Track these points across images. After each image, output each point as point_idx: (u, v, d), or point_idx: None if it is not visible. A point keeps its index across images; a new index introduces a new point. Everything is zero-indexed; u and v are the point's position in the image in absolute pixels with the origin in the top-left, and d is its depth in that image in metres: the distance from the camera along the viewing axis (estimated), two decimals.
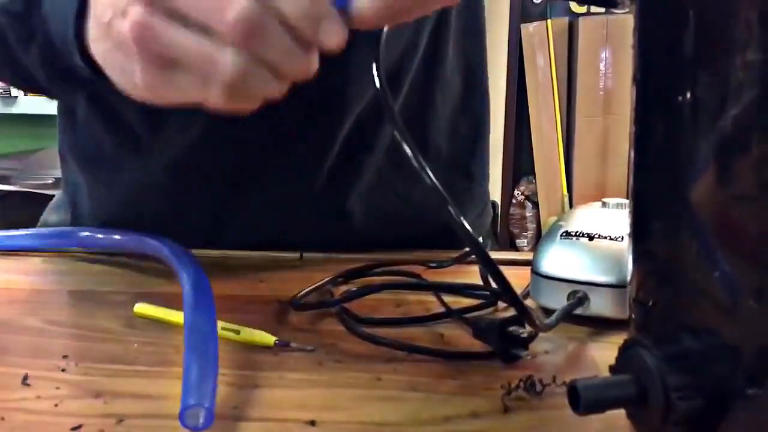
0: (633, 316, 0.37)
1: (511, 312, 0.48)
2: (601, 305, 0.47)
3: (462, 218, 0.38)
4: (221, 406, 0.37)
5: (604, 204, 0.54)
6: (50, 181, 1.78)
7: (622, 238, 0.49)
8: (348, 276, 0.57)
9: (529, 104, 2.12)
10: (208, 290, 0.48)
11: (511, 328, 0.44)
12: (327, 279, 0.56)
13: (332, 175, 0.63)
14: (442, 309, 0.50)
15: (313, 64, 0.37)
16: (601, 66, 2.09)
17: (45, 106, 1.96)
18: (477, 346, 0.45)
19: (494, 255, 0.66)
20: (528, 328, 0.44)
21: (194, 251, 0.55)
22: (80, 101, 0.63)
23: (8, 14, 0.45)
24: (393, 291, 0.54)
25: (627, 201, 0.37)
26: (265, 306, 0.52)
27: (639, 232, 0.36)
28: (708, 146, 0.30)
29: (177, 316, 0.48)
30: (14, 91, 2.12)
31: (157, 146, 0.62)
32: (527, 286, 0.52)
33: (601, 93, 2.10)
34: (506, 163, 2.14)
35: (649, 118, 0.34)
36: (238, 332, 0.46)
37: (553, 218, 0.60)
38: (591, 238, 0.50)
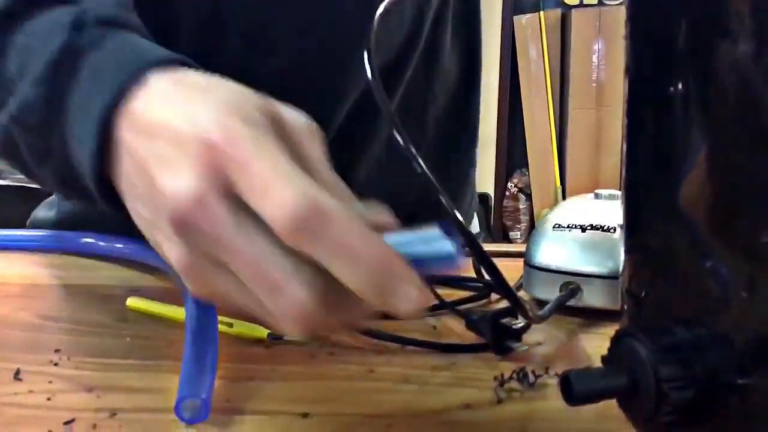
0: (625, 307, 0.37)
1: (504, 304, 0.48)
2: (593, 296, 0.48)
3: (455, 210, 0.38)
4: (215, 399, 0.37)
5: (596, 195, 0.54)
6: None
7: (615, 230, 0.49)
8: None
9: (522, 96, 2.12)
10: None
11: (504, 320, 0.44)
12: None
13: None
14: (435, 301, 0.50)
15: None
16: (594, 58, 2.09)
17: None
18: (470, 337, 0.45)
19: (487, 247, 0.66)
20: (521, 320, 0.44)
21: None
22: None
23: (22, 126, 0.39)
24: None
25: (619, 192, 0.37)
26: None
27: (631, 224, 0.36)
28: (700, 137, 0.30)
29: (170, 310, 0.48)
30: None
31: None
32: (520, 278, 0.52)
33: (594, 85, 2.10)
34: (499, 156, 2.14)
35: (641, 109, 0.34)
36: (231, 325, 0.46)
37: (547, 210, 0.61)
38: (583, 229, 0.50)
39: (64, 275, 0.57)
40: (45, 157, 0.39)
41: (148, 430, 0.35)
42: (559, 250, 0.49)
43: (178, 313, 0.47)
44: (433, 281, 0.53)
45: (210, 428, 0.35)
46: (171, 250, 0.31)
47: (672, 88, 0.30)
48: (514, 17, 2.09)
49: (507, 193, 2.18)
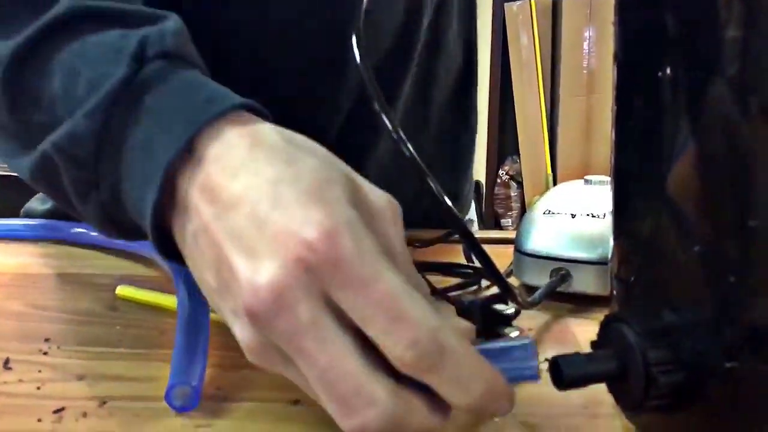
0: (614, 292, 0.37)
1: (495, 290, 0.48)
2: (583, 282, 0.48)
3: (444, 196, 0.38)
4: (206, 386, 0.37)
5: (586, 181, 0.54)
6: None
7: (605, 215, 0.49)
8: None
9: (513, 83, 2.11)
10: None
11: (495, 306, 0.44)
12: None
13: None
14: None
15: None
16: (585, 45, 2.09)
17: None
18: None
19: (478, 234, 0.66)
20: (511, 306, 0.44)
21: None
22: None
23: (68, 157, 0.36)
24: None
25: (609, 178, 0.37)
26: None
27: (620, 210, 0.36)
28: (688, 123, 0.30)
29: (161, 299, 0.48)
30: None
31: None
32: (510, 264, 0.52)
33: (585, 72, 2.10)
34: (491, 143, 2.14)
35: (629, 95, 0.34)
36: None
37: (538, 197, 0.61)
38: (574, 215, 0.50)
39: (54, 264, 0.57)
40: (90, 191, 0.37)
41: (138, 418, 0.35)
42: (549, 236, 0.49)
43: (169, 301, 0.47)
44: (423, 268, 0.53)
45: (201, 416, 0.35)
46: (238, 329, 0.30)
47: (660, 74, 0.30)
48: (505, 4, 2.08)
49: (498, 181, 2.18)
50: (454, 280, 0.52)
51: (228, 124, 0.33)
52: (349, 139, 0.60)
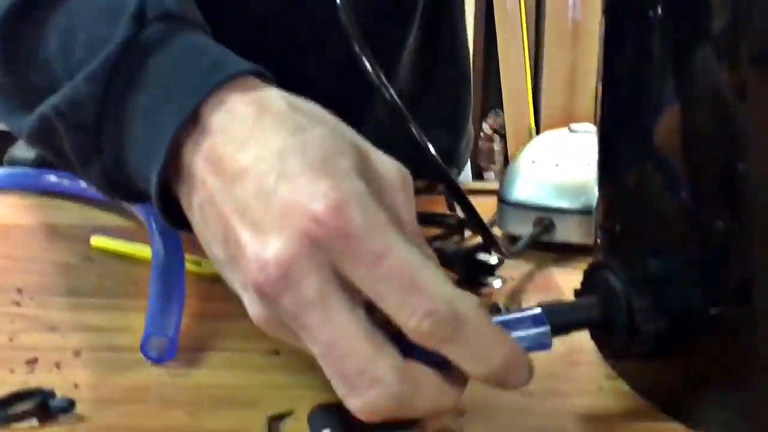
0: (599, 241, 0.36)
1: (478, 241, 0.47)
2: (567, 231, 0.47)
3: (428, 143, 0.37)
4: (183, 337, 0.37)
5: (571, 130, 0.53)
6: None
7: (589, 164, 0.49)
8: None
9: (498, 36, 2.08)
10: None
11: (478, 256, 0.43)
12: None
13: None
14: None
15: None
16: None
17: None
18: None
19: (461, 185, 0.65)
20: (494, 255, 0.43)
21: None
22: None
23: (70, 123, 0.34)
24: None
25: (594, 127, 0.37)
26: None
27: (606, 159, 0.36)
28: (677, 70, 0.29)
29: (136, 249, 0.47)
30: None
31: None
32: (494, 215, 0.51)
33: (570, 23, 2.08)
34: (474, 96, 2.12)
35: (617, 43, 0.33)
36: (199, 264, 0.45)
37: (522, 150, 0.61)
38: (558, 164, 0.49)
39: (27, 215, 0.55)
40: (92, 157, 0.35)
41: (113, 368, 0.35)
42: (532, 185, 0.49)
43: (144, 251, 0.46)
44: None
45: (177, 366, 0.35)
46: (248, 303, 0.29)
47: (647, 24, 0.29)
48: None
49: (482, 135, 2.17)
50: (436, 231, 0.51)
51: (234, 91, 0.31)
52: (345, 98, 0.59)
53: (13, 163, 0.69)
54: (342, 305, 0.27)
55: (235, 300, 0.42)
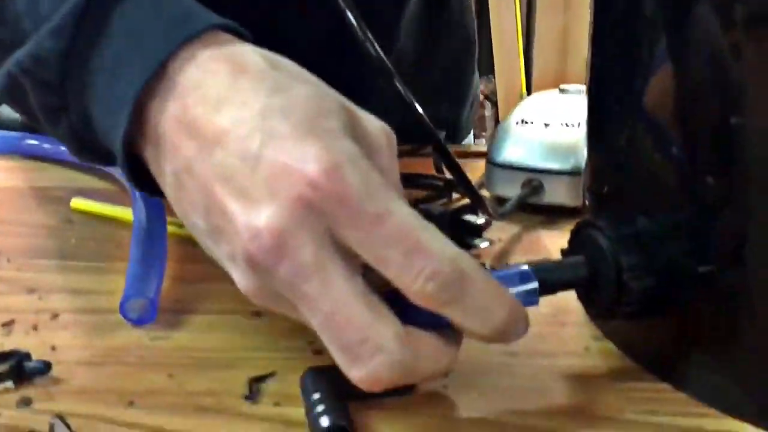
0: (587, 203, 0.36)
1: (465, 203, 0.47)
2: (556, 193, 0.47)
3: (414, 101, 0.36)
4: (164, 299, 0.36)
5: (562, 90, 0.52)
6: None
7: (579, 125, 0.48)
8: None
9: (489, 1, 2.06)
10: None
11: (465, 217, 0.43)
12: None
13: None
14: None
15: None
16: None
17: None
18: None
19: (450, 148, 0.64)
20: (481, 217, 0.43)
21: None
22: None
23: (35, 80, 0.33)
24: None
25: (584, 87, 0.36)
26: None
27: (596, 119, 0.35)
28: (669, 24, 0.28)
29: (117, 211, 0.46)
30: None
31: None
32: (482, 176, 0.51)
33: None
34: None
35: (609, 7, 0.32)
36: (182, 226, 0.44)
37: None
38: (547, 124, 0.48)
39: (6, 177, 0.54)
40: (59, 115, 0.34)
41: (92, 331, 0.34)
42: (521, 146, 0.48)
43: (125, 213, 0.45)
44: None
45: (158, 328, 0.34)
46: (237, 275, 0.28)
47: None
48: None
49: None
50: (423, 193, 0.50)
51: (205, 46, 0.29)
52: (340, 71, 0.57)
53: (1, 125, 0.68)
54: (340, 272, 0.26)
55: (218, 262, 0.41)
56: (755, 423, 0.27)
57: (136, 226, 0.41)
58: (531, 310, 0.28)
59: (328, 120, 0.27)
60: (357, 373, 0.26)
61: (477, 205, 0.41)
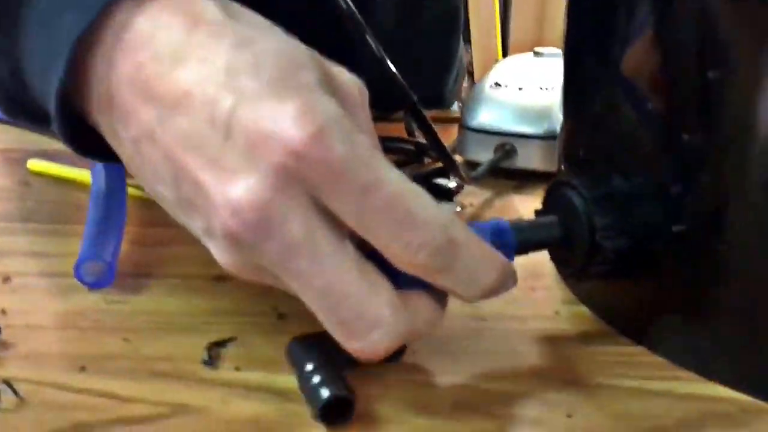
0: (562, 167, 0.35)
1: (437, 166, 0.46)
2: (529, 158, 0.46)
3: (387, 59, 0.35)
4: (123, 263, 0.35)
5: (536, 53, 0.51)
6: None
7: (553, 88, 0.47)
8: None
9: None
10: None
11: (436, 180, 0.42)
12: None
13: None
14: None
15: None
16: None
17: None
18: None
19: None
20: (453, 180, 0.42)
21: None
22: None
23: None
24: None
25: (560, 50, 0.35)
26: None
27: (571, 77, 0.34)
28: None
29: (76, 173, 0.44)
30: None
31: None
32: (455, 141, 0.50)
33: None
34: None
35: None
36: (143, 188, 0.43)
37: None
38: (521, 88, 0.47)
39: None
40: None
41: (46, 294, 0.33)
42: (494, 109, 0.47)
43: (85, 176, 0.43)
44: None
45: (115, 292, 0.33)
46: (214, 249, 0.26)
47: None
48: None
49: None
50: (394, 157, 0.49)
51: None
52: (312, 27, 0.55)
53: None
54: (331, 244, 0.24)
55: (180, 225, 0.40)
56: (730, 385, 0.27)
57: (94, 187, 0.39)
58: None
59: (302, 74, 0.25)
60: (355, 346, 0.25)
61: (450, 168, 0.41)
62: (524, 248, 0.28)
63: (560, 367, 0.29)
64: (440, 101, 0.72)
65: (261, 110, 0.24)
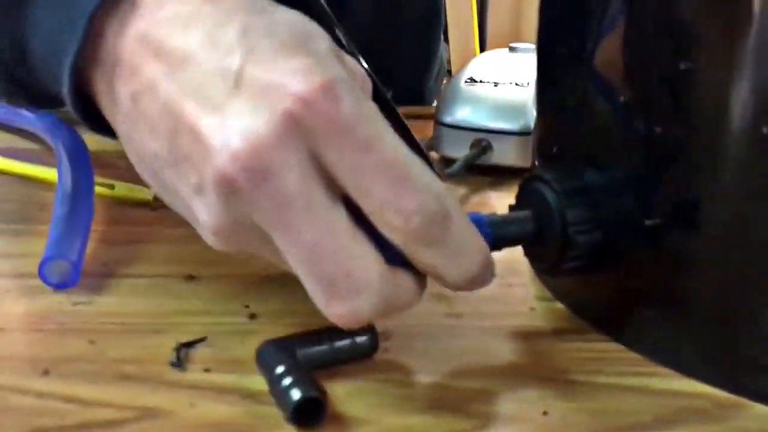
0: (536, 163, 0.35)
1: None
2: (505, 154, 0.45)
3: (356, 51, 0.34)
4: (89, 263, 0.34)
5: (512, 49, 0.51)
6: None
7: (529, 84, 0.47)
8: None
9: None
10: (82, 146, 0.43)
11: None
12: None
13: None
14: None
15: None
16: None
17: None
18: None
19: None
20: None
21: None
22: None
23: None
24: None
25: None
26: None
27: (544, 73, 0.34)
28: None
29: (41, 172, 0.43)
30: None
31: None
32: (430, 138, 0.49)
33: None
34: None
35: None
36: (112, 187, 0.42)
37: None
38: (497, 83, 0.47)
39: None
40: None
41: (7, 295, 0.32)
42: (470, 105, 0.46)
43: (51, 174, 0.42)
44: None
45: (81, 292, 0.32)
46: (202, 208, 0.25)
47: None
48: None
49: None
50: None
51: None
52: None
53: None
54: (326, 199, 0.24)
55: (151, 224, 0.39)
56: (706, 380, 0.27)
57: (59, 185, 0.38)
58: None
59: (316, 42, 0.25)
60: (337, 309, 0.24)
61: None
62: (498, 244, 0.28)
63: (536, 364, 0.28)
64: (421, 98, 0.72)
65: (270, 64, 0.24)
